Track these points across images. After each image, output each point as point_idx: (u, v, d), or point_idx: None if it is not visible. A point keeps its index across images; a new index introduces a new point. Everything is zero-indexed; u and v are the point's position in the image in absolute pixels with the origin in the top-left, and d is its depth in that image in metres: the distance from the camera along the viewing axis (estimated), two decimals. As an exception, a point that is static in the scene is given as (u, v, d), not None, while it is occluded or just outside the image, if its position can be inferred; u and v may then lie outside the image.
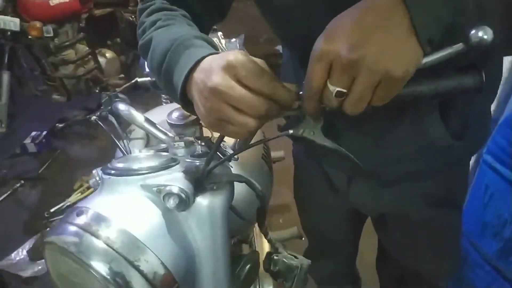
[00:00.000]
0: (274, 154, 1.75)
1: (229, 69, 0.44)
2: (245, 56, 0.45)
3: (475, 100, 0.65)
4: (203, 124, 0.52)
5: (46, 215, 2.23)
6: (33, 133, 2.94)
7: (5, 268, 1.91)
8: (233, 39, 1.69)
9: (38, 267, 1.92)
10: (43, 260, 1.79)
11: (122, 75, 3.06)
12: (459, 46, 0.39)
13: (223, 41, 1.65)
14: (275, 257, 0.63)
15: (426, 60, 0.41)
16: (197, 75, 0.49)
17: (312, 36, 0.43)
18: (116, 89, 3.12)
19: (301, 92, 0.47)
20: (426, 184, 0.77)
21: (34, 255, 1.96)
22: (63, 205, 2.30)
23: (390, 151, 0.68)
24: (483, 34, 0.37)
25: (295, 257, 0.64)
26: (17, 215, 2.32)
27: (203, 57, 0.51)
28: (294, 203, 1.06)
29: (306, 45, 0.44)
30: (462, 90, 0.45)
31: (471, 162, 1.41)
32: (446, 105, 0.62)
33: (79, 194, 2.39)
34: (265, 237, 0.62)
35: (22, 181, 2.56)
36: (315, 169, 0.90)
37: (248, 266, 0.71)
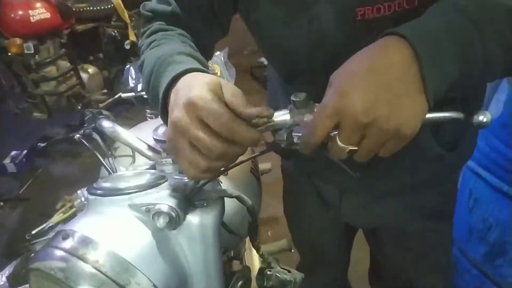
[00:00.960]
0: (261, 166, 1.75)
1: (190, 106, 0.42)
2: (210, 94, 0.42)
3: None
4: None
5: (27, 238, 2.15)
6: (13, 153, 2.87)
7: (-18, 296, 1.83)
8: (217, 53, 1.69)
9: (19, 293, 1.85)
10: (24, 286, 1.71)
11: (105, 91, 3.02)
12: (459, 115, 0.41)
13: (207, 55, 1.65)
14: (268, 273, 0.62)
15: (429, 116, 0.42)
16: (172, 95, 0.48)
17: (293, 53, 0.42)
18: (100, 104, 3.09)
19: (273, 113, 0.46)
20: (419, 196, 0.78)
21: (15, 280, 1.88)
22: (45, 226, 2.23)
23: (382, 164, 0.69)
24: (483, 118, 0.41)
25: (288, 271, 0.63)
26: (-3, 238, 2.24)
27: (181, 73, 0.50)
28: (283, 215, 1.06)
29: (288, 62, 0.44)
30: (449, 121, 0.45)
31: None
32: None
33: (62, 214, 2.32)
34: (258, 252, 0.61)
35: (2, 203, 2.48)
36: (305, 183, 0.89)
37: (240, 283, 0.70)
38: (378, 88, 0.39)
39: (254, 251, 1.12)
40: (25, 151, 2.91)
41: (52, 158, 2.97)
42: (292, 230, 1.06)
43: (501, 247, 1.21)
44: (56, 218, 2.25)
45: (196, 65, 0.54)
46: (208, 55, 0.70)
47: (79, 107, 2.83)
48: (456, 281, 1.38)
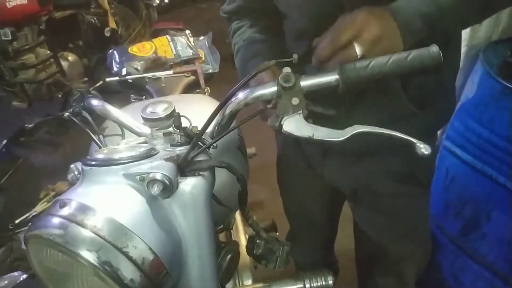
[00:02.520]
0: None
1: None
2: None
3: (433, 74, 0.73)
4: None
5: (10, 227, 2.13)
6: (-8, 143, 2.81)
7: (-32, 284, 1.82)
8: (202, 37, 1.70)
9: (4, 282, 1.84)
10: (10, 275, 1.72)
11: (85, 79, 2.97)
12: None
13: (191, 39, 1.66)
14: (257, 241, 0.65)
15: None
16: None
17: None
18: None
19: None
20: (393, 159, 0.84)
21: (0, 269, 1.88)
22: (29, 215, 2.20)
23: (358, 123, 0.73)
24: (424, 150, 0.50)
25: (277, 239, 0.66)
26: (-21, 229, 2.20)
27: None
28: (267, 200, 1.11)
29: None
30: (423, 69, 0.50)
31: (433, 148, 1.49)
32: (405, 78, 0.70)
33: (46, 203, 2.30)
34: (247, 222, 0.64)
35: (-18, 193, 2.44)
36: (294, 148, 0.97)
37: (229, 256, 0.73)
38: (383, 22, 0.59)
39: (241, 230, 1.15)
40: (4, 141, 2.85)
41: (32, 148, 2.91)
42: (282, 196, 1.13)
43: (475, 222, 1.27)
44: (40, 207, 2.23)
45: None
46: (277, 24, 0.85)
47: (60, 96, 2.79)
48: (435, 256, 1.45)
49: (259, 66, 0.55)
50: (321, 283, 0.85)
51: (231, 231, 1.09)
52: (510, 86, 1.07)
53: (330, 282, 0.85)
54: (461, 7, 0.61)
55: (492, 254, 1.24)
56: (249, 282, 1.05)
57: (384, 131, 0.52)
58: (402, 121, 0.73)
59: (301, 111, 0.54)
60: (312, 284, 0.84)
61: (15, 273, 1.83)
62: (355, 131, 0.53)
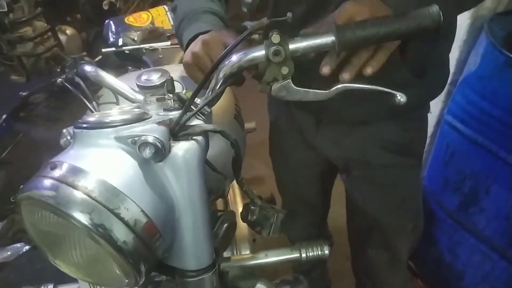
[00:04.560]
0: (246, 125, 1.77)
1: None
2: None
3: (431, 43, 0.72)
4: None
5: (12, 200, 2.15)
6: (-8, 117, 2.80)
7: (-28, 256, 1.85)
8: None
9: (7, 253, 1.87)
10: (13, 246, 1.74)
11: (84, 53, 2.93)
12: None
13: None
14: (252, 207, 0.65)
15: None
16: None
17: None
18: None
19: None
20: (386, 129, 0.84)
21: (3, 240, 1.91)
22: (30, 189, 2.22)
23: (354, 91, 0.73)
24: (400, 98, 0.55)
25: (271, 207, 0.66)
26: (-19, 201, 2.22)
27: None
28: (267, 175, 1.10)
29: None
30: (423, 29, 0.48)
31: (432, 124, 1.47)
32: (404, 45, 0.67)
33: (46, 176, 2.32)
34: (241, 188, 0.64)
35: (-17, 167, 2.46)
36: (286, 120, 0.96)
37: (225, 225, 0.73)
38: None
39: (239, 201, 1.16)
40: (4, 116, 2.84)
41: (32, 123, 2.91)
42: (275, 171, 1.12)
43: (474, 197, 1.27)
44: (41, 180, 2.24)
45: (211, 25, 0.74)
46: None
47: (58, 70, 2.76)
48: (433, 231, 1.46)
49: (252, 26, 0.53)
50: (317, 252, 0.85)
51: (228, 201, 1.10)
52: (514, 57, 1.04)
53: (326, 252, 0.86)
54: None
55: (490, 228, 1.25)
56: (247, 252, 1.06)
57: (364, 86, 0.55)
58: (399, 89, 0.72)
59: (290, 79, 0.54)
60: (308, 254, 0.85)
61: (18, 245, 1.86)
62: (339, 88, 0.55)
